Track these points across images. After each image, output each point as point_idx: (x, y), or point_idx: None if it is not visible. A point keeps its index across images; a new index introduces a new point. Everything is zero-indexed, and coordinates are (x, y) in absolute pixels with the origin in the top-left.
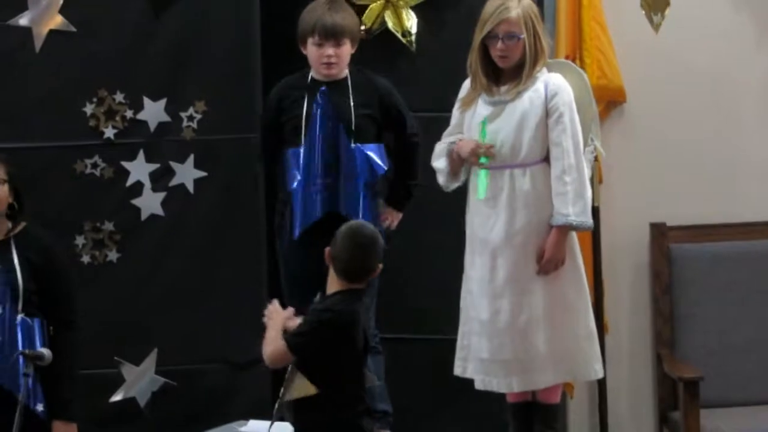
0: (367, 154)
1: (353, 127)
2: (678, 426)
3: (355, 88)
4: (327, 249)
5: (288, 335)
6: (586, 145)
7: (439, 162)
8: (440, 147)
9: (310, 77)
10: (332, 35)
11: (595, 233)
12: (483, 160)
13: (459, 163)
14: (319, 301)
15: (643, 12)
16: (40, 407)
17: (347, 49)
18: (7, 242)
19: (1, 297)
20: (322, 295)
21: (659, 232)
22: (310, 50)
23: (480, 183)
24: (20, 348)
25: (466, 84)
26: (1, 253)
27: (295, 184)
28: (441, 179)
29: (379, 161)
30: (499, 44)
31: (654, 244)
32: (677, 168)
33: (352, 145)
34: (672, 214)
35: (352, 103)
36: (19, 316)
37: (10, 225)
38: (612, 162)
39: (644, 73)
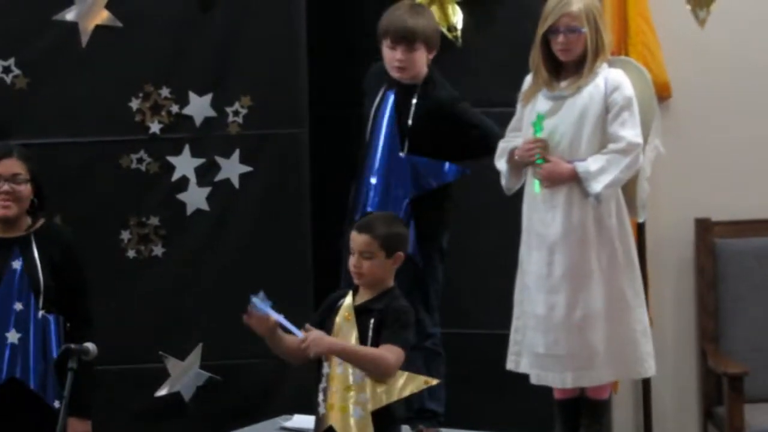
0: (415, 166)
1: (407, 136)
2: (722, 421)
3: (420, 98)
4: (399, 254)
5: (400, 339)
6: (646, 143)
7: (501, 164)
8: (502, 146)
9: (387, 76)
10: (404, 39)
11: (640, 228)
12: (539, 161)
13: (518, 165)
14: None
15: (689, 7)
16: (57, 404)
17: (421, 55)
18: (27, 238)
19: (21, 293)
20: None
21: (704, 227)
22: (384, 51)
23: (534, 179)
24: (33, 344)
25: (528, 78)
26: (22, 250)
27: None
28: (503, 181)
29: (430, 176)
30: (561, 38)
31: (699, 239)
32: (722, 163)
33: (401, 154)
34: (717, 210)
35: (412, 112)
36: (40, 313)
37: (30, 221)
38: (657, 157)
39: (689, 69)
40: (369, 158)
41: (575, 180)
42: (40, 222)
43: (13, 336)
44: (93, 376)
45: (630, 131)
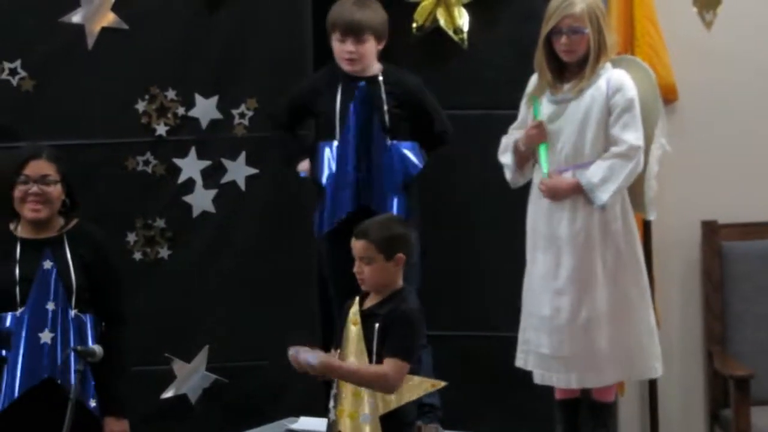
0: (402, 152)
1: (387, 125)
2: (729, 424)
3: (387, 86)
4: (400, 255)
5: (403, 351)
6: (651, 142)
7: (505, 157)
8: (506, 141)
9: (341, 73)
10: (352, 31)
11: (647, 230)
12: (542, 147)
13: (524, 156)
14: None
15: (695, 9)
16: (92, 403)
17: (370, 46)
18: (60, 239)
19: (54, 294)
20: None
21: (710, 229)
22: (334, 45)
23: (542, 160)
24: (71, 344)
25: (533, 79)
26: (54, 250)
27: (327, 177)
28: (508, 175)
29: (414, 160)
30: (563, 39)
31: (705, 241)
32: (729, 166)
33: (389, 141)
34: (723, 212)
35: (384, 100)
36: (73, 312)
37: (62, 221)
38: (664, 160)
39: (696, 71)
40: (341, 154)
41: (578, 192)
42: (73, 222)
43: (47, 336)
44: (129, 376)
45: (631, 134)
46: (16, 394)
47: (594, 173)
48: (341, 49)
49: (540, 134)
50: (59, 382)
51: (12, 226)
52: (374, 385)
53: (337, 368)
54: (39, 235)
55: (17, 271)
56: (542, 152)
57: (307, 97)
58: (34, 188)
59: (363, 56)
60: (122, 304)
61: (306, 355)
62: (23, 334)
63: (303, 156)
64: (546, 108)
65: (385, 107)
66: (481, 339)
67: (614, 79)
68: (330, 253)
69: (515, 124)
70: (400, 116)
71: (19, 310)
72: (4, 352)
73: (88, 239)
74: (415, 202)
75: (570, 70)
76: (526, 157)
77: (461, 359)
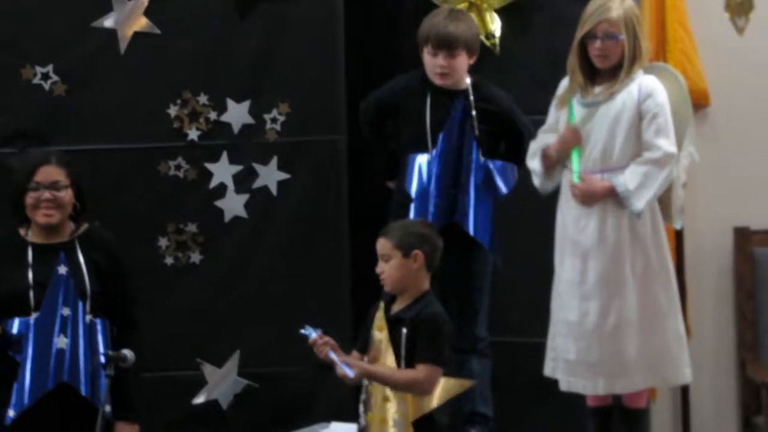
0: (493, 171)
1: (478, 141)
2: (761, 431)
3: (477, 102)
4: (417, 252)
5: (433, 356)
6: (680, 149)
7: (533, 162)
8: (534, 146)
9: (429, 85)
10: (445, 45)
11: (679, 237)
12: (575, 152)
13: (553, 163)
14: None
15: (727, 15)
16: (107, 408)
17: (462, 60)
18: (72, 244)
19: (68, 299)
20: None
21: (743, 236)
22: (426, 58)
23: (574, 165)
24: (83, 349)
25: (564, 82)
26: (67, 255)
27: (416, 189)
28: (536, 180)
29: (501, 180)
30: (598, 43)
31: (737, 248)
32: (761, 171)
33: (482, 159)
34: (756, 218)
35: (475, 118)
36: (87, 317)
37: (73, 226)
38: (696, 166)
39: (727, 76)
40: (439, 169)
41: (611, 196)
42: (84, 227)
43: (61, 341)
44: (140, 381)
45: (665, 140)
46: (29, 399)
47: (629, 179)
48: (433, 62)
49: (575, 139)
50: (75, 387)
51: (22, 231)
52: (405, 390)
53: (372, 372)
54: (50, 240)
55: (30, 275)
56: (574, 157)
57: (398, 97)
58: (46, 194)
59: (455, 70)
60: (134, 308)
61: (340, 365)
62: (37, 338)
63: (393, 171)
64: (576, 111)
65: (475, 121)
66: (511, 345)
67: (646, 84)
68: None
69: (544, 128)
70: (489, 132)
71: (33, 315)
72: (17, 357)
73: (100, 244)
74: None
75: (602, 74)
76: (553, 162)
77: (497, 366)
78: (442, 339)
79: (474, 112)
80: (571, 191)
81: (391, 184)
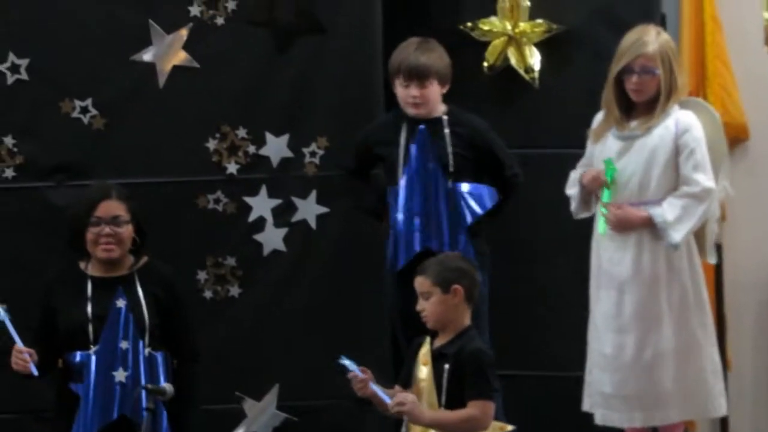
0: (464, 194)
1: (450, 168)
2: None
3: (451, 128)
4: (456, 287)
5: (485, 392)
6: (715, 184)
7: (572, 189)
8: (574, 176)
9: (405, 116)
10: (416, 76)
11: (718, 270)
12: (606, 193)
13: (586, 192)
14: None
15: (767, 49)
16: None
17: (435, 90)
18: (131, 277)
19: (127, 332)
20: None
21: None
22: (398, 90)
23: (600, 218)
24: (143, 382)
25: (599, 116)
26: (126, 288)
27: (397, 220)
28: (572, 205)
29: (475, 202)
30: (635, 78)
31: None
32: None
33: (449, 184)
34: None
35: (449, 144)
36: (146, 350)
37: (132, 260)
38: (736, 200)
39: (767, 111)
40: (408, 198)
41: (647, 226)
42: (143, 260)
43: (120, 375)
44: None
45: (703, 175)
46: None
47: (668, 211)
48: (405, 93)
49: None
50: (136, 420)
51: (82, 265)
52: (466, 429)
53: (420, 416)
54: (110, 273)
55: (89, 309)
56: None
57: (372, 141)
58: (107, 229)
59: (427, 100)
60: (195, 340)
61: (387, 400)
62: (97, 372)
63: (381, 206)
64: (613, 144)
65: (449, 149)
66: (547, 379)
67: (683, 119)
68: (397, 294)
69: (582, 162)
70: (466, 157)
71: (92, 349)
72: (75, 388)
73: (159, 277)
74: (483, 245)
75: (638, 108)
76: (587, 193)
77: (526, 401)
78: (489, 373)
79: (447, 137)
80: (606, 217)
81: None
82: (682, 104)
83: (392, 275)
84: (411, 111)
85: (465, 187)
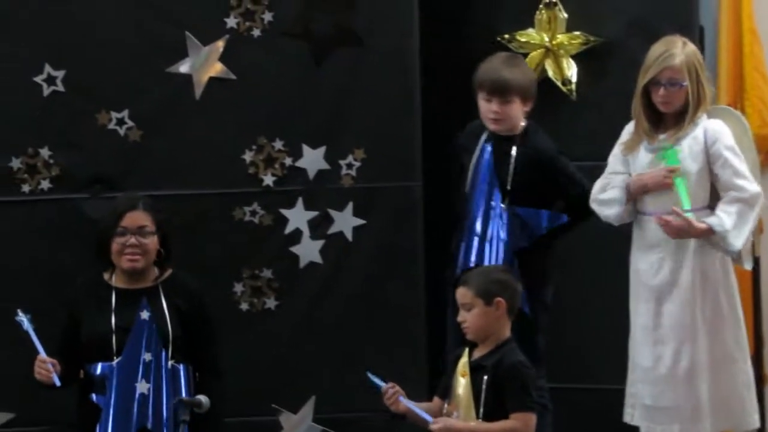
0: (517, 218)
1: (508, 187)
2: None
3: (518, 149)
4: (499, 300)
5: (526, 404)
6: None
7: (610, 193)
8: (603, 181)
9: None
10: (498, 91)
11: (755, 283)
12: (679, 180)
13: (632, 200)
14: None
15: None
16: None
17: (516, 107)
18: (155, 289)
19: (150, 344)
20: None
21: None
22: (480, 103)
23: (681, 193)
24: (165, 394)
25: (629, 128)
26: (151, 300)
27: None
28: (613, 210)
29: (529, 225)
30: (662, 90)
31: None
32: None
33: (502, 204)
34: None
35: (512, 163)
36: (169, 363)
37: (157, 272)
38: None
39: None
40: (471, 211)
41: (707, 236)
42: (168, 272)
43: (143, 386)
44: (223, 427)
45: (745, 181)
46: None
47: (725, 220)
48: (487, 108)
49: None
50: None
51: (106, 276)
52: None
53: (458, 429)
54: (134, 285)
55: (113, 320)
56: (681, 186)
57: (458, 146)
58: (132, 240)
59: (507, 116)
60: (218, 354)
61: (419, 413)
62: (119, 383)
63: None
64: (644, 157)
65: (511, 168)
66: (597, 392)
67: (711, 128)
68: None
69: (606, 174)
70: (528, 179)
71: (116, 360)
72: (96, 399)
73: (183, 290)
74: (539, 266)
75: (666, 120)
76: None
77: (567, 413)
78: (529, 385)
79: (512, 157)
80: (663, 221)
81: None
82: (710, 112)
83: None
84: (491, 126)
85: (521, 211)
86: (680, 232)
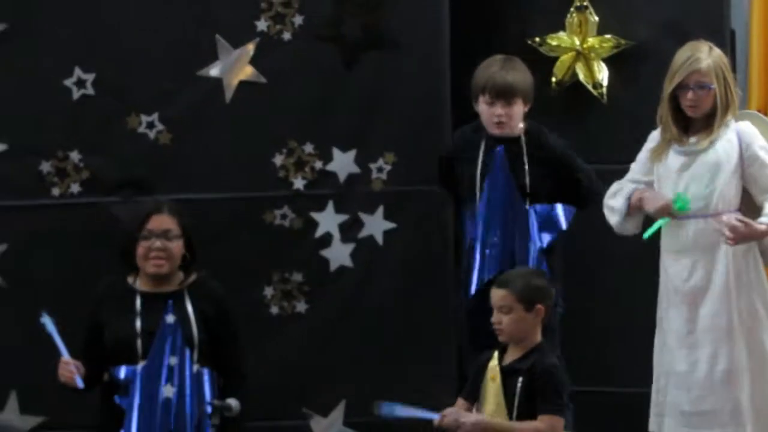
0: (541, 215)
1: (528, 189)
2: None
3: (530, 150)
4: (539, 307)
5: (557, 407)
6: None
7: (615, 200)
8: (618, 186)
9: (485, 134)
10: (503, 95)
11: None
12: (665, 220)
13: (638, 210)
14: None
15: None
16: None
17: (519, 109)
18: (180, 293)
19: (175, 348)
20: None
21: None
22: (482, 108)
23: (653, 227)
24: (189, 398)
25: (654, 134)
26: (176, 304)
27: (473, 241)
28: (615, 218)
29: (551, 223)
30: (690, 94)
31: None
32: None
33: (527, 206)
34: None
35: (527, 164)
36: (195, 367)
37: (182, 276)
38: None
39: None
40: (485, 217)
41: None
42: (193, 276)
43: (168, 390)
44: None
45: None
46: None
47: None
48: (490, 112)
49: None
50: None
51: (131, 280)
52: None
53: (491, 426)
54: (159, 288)
55: (138, 323)
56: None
57: (454, 157)
58: (157, 243)
59: (512, 119)
60: (242, 358)
61: (426, 415)
62: (143, 387)
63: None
64: (674, 160)
65: (527, 169)
66: (623, 396)
67: (744, 131)
68: (472, 312)
69: (629, 175)
70: (544, 178)
71: (140, 364)
72: (122, 404)
73: (209, 294)
74: (558, 265)
75: (695, 124)
76: (638, 211)
77: (587, 415)
78: (561, 389)
79: (525, 159)
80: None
81: None
82: (737, 117)
83: (467, 296)
84: (495, 131)
85: (541, 208)
86: (744, 238)
